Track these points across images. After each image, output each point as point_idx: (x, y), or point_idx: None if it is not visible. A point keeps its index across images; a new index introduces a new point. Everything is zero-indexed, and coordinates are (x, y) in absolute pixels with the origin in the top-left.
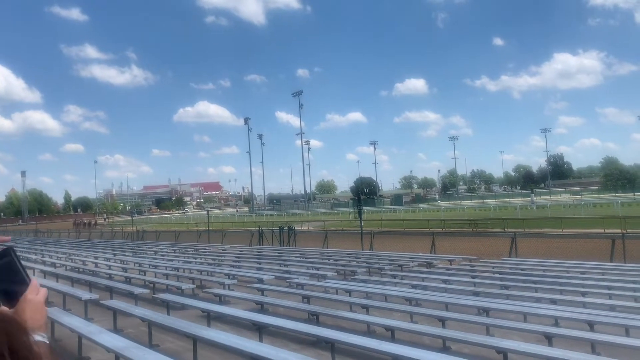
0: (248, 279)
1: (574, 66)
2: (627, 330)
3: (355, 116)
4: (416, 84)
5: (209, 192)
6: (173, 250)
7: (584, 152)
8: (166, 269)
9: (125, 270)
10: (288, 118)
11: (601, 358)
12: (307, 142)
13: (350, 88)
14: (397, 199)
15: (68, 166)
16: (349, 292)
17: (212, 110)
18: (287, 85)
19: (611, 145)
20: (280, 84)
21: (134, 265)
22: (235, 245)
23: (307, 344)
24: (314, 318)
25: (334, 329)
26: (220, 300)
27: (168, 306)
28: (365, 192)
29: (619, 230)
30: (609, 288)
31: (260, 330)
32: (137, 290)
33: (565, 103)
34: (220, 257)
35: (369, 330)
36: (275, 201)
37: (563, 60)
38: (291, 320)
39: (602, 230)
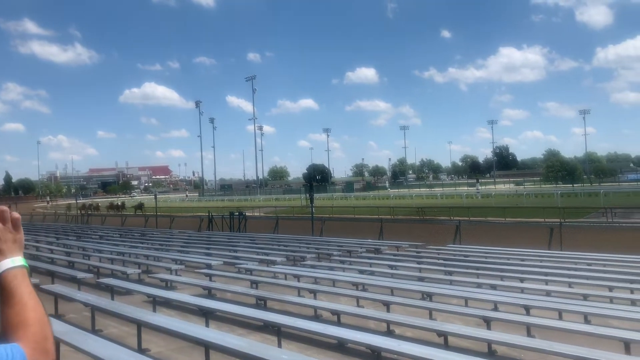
0: (196, 264)
1: (519, 60)
2: (560, 314)
3: (307, 103)
4: (367, 73)
5: (158, 176)
6: (119, 234)
7: (527, 144)
8: (111, 254)
9: (68, 254)
10: (239, 103)
11: (534, 340)
12: (260, 128)
13: (302, 74)
14: (348, 186)
15: (7, 146)
16: (298, 278)
17: (160, 92)
18: (238, 69)
19: (553, 138)
20: (230, 68)
21: (78, 250)
22: (184, 230)
23: (254, 328)
24: (261, 303)
25: (281, 313)
26: (167, 285)
27: (112, 291)
28: (317, 179)
29: (558, 220)
30: (546, 274)
31: (206, 315)
32: (80, 275)
33: (510, 96)
34: (168, 242)
35: (316, 315)
36: (226, 186)
37: (508, 55)
38: (238, 305)
39: (542, 220)
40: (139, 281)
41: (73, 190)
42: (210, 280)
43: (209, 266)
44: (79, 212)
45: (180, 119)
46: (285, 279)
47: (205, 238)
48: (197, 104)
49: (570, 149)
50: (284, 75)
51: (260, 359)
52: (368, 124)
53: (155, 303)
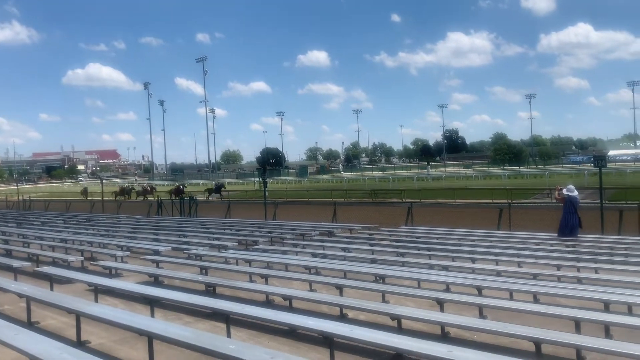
0: (143, 250)
1: (466, 45)
2: (511, 294)
3: (259, 86)
4: (318, 56)
5: (106, 161)
6: (62, 220)
7: (476, 127)
8: (53, 241)
9: (6, 242)
10: (189, 85)
11: (487, 321)
12: (212, 111)
13: (253, 57)
14: (302, 170)
15: None
16: (249, 262)
17: (106, 74)
18: (187, 50)
19: (500, 121)
20: (179, 49)
21: (17, 237)
22: (131, 215)
23: (203, 316)
24: (211, 289)
25: (231, 300)
26: (111, 273)
27: (52, 280)
28: (271, 163)
29: (506, 201)
30: (496, 255)
31: (152, 304)
32: (17, 264)
33: (459, 81)
34: (114, 228)
35: (268, 300)
36: (177, 170)
37: (456, 40)
38: (186, 293)
39: (491, 201)
40: (82, 269)
41: (15, 175)
42: (158, 267)
43: (156, 252)
44: (20, 197)
45: (128, 101)
46: (237, 264)
47: (154, 223)
48: (146, 85)
49: (517, 133)
50: (235, 57)
51: (206, 349)
52: (321, 107)
53: (98, 292)
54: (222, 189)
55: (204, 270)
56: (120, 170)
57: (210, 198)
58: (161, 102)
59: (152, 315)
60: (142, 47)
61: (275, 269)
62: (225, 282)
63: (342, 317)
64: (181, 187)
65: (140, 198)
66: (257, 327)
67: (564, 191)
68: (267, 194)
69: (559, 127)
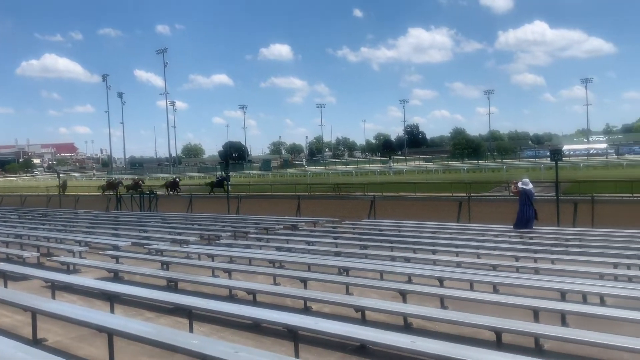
0: (102, 245)
1: (427, 41)
2: (471, 285)
3: (221, 78)
4: (281, 50)
5: (62, 154)
6: (17, 215)
7: (436, 122)
8: (7, 236)
9: None
10: (149, 77)
11: (448, 312)
12: (172, 104)
13: (214, 49)
14: (265, 164)
15: None
16: (212, 257)
17: (62, 65)
18: (146, 41)
19: (459, 117)
20: (138, 40)
21: None
22: (89, 210)
23: (164, 311)
24: (172, 285)
25: (193, 295)
26: (69, 269)
27: (5, 277)
28: (234, 157)
29: (465, 194)
30: (457, 246)
31: (111, 300)
32: None
33: (419, 76)
34: (71, 223)
35: (231, 295)
36: (137, 164)
37: (417, 35)
38: (147, 289)
39: (451, 194)
40: (38, 265)
41: None
42: (117, 262)
43: (116, 247)
44: None
45: (86, 93)
46: (199, 259)
47: (113, 218)
48: (104, 77)
49: (475, 128)
50: (196, 49)
51: (168, 344)
52: (284, 101)
53: (55, 288)
54: (225, 183)
55: (165, 266)
56: (77, 164)
57: (211, 193)
58: (120, 95)
59: (112, 311)
60: (100, 38)
61: (239, 263)
62: (187, 277)
63: (306, 310)
64: (177, 179)
65: (175, 192)
66: (220, 322)
67: (520, 184)
68: (229, 188)
69: (516, 122)
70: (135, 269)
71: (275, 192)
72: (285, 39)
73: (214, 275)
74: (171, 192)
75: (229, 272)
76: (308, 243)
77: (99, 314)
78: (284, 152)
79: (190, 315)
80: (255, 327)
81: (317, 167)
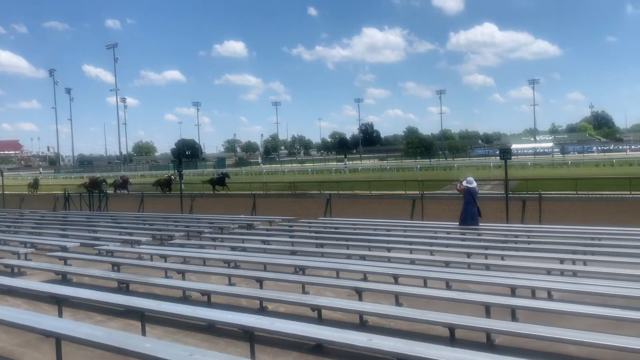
0: (49, 247)
1: (380, 41)
2: (425, 282)
3: (174, 75)
4: (235, 47)
5: (6, 152)
6: None
7: (389, 121)
8: None
9: None
10: (98, 72)
11: (403, 309)
12: (123, 100)
13: (167, 45)
14: (219, 162)
15: None
16: (165, 258)
17: (5, 59)
18: (96, 36)
19: (412, 116)
20: (87, 34)
21: None
22: (35, 210)
23: (115, 314)
24: (123, 287)
25: (146, 297)
26: (13, 271)
27: None
28: (187, 155)
29: (418, 192)
30: (410, 243)
31: (59, 303)
32: None
33: (374, 76)
34: (16, 224)
35: (185, 296)
36: (86, 163)
37: (371, 35)
38: (97, 291)
39: (404, 192)
40: None
41: None
42: (66, 264)
43: (64, 248)
44: None
45: (31, 88)
46: (151, 259)
47: (60, 218)
48: (51, 72)
49: (428, 127)
50: (148, 45)
51: (120, 348)
52: (239, 98)
53: None
54: (227, 179)
55: (116, 267)
56: (23, 162)
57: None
58: (68, 90)
59: (60, 315)
60: (46, 32)
61: (193, 264)
62: (139, 279)
63: (262, 310)
64: (171, 177)
65: (125, 191)
66: (173, 324)
67: (464, 183)
68: (182, 187)
69: (466, 121)
70: (85, 271)
71: (230, 191)
72: (240, 35)
73: (166, 277)
74: (123, 192)
75: (182, 273)
76: (264, 242)
77: (47, 318)
78: (239, 150)
79: (143, 317)
80: (210, 329)
81: (272, 166)
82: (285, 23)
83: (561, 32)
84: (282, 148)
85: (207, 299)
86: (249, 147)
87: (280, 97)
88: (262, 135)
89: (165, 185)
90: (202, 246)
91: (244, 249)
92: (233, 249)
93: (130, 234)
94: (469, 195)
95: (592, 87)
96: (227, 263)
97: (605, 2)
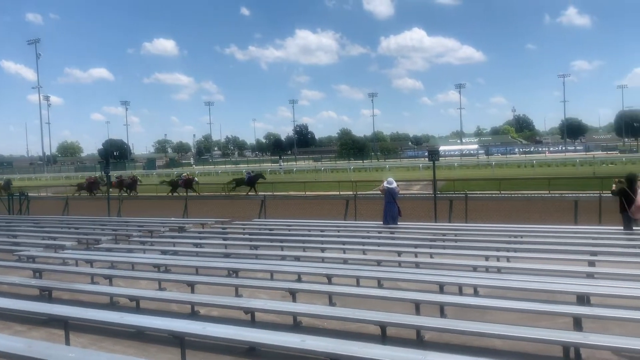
0: None
1: (314, 43)
2: (358, 281)
3: (100, 72)
4: (166, 45)
5: None
6: None
7: (324, 123)
8: None
9: None
10: (18, 69)
11: (336, 308)
12: (47, 98)
13: (92, 41)
14: (150, 163)
15: None
16: (91, 263)
17: None
18: (15, 30)
19: (346, 118)
20: (5, 28)
21: None
22: None
23: (37, 323)
24: (46, 294)
25: (70, 304)
26: None
27: None
28: (115, 156)
29: (351, 192)
30: (344, 243)
31: None
32: None
33: (308, 77)
34: None
35: (112, 302)
36: (5, 164)
37: (304, 37)
38: (16, 299)
39: (338, 193)
40: None
41: None
42: None
43: None
44: None
45: None
46: (76, 265)
47: None
48: None
49: (361, 129)
50: (72, 41)
51: (42, 359)
52: (169, 98)
53: None
54: (260, 180)
55: (37, 273)
56: None
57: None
58: None
59: None
60: None
61: (121, 269)
62: (62, 285)
63: (193, 315)
64: (191, 177)
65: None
66: (100, 332)
67: (385, 184)
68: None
69: (397, 124)
70: (3, 278)
71: (161, 193)
72: (170, 33)
73: (93, 282)
74: (131, 193)
75: (109, 279)
76: (196, 245)
77: None
78: (170, 150)
79: (66, 326)
80: (139, 335)
81: (205, 167)
82: (217, 22)
83: (485, 39)
84: (216, 149)
85: (135, 305)
86: (181, 148)
87: (213, 97)
88: (194, 135)
89: (187, 185)
90: (130, 250)
91: (175, 253)
92: (163, 252)
93: (54, 239)
94: (390, 196)
95: (514, 92)
96: (157, 267)
97: (526, 12)
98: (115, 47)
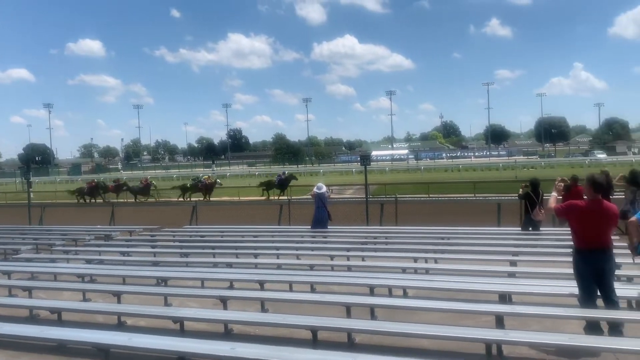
0: None
1: (247, 47)
2: (290, 286)
3: (20, 73)
4: (92, 46)
5: None
6: None
7: (258, 127)
8: None
9: None
10: None
11: (267, 315)
12: None
13: (11, 40)
14: (75, 169)
15: None
16: (8, 274)
17: None
18: None
19: (280, 123)
20: None
21: None
22: None
23: None
24: None
25: None
26: None
27: None
28: (37, 161)
29: (286, 197)
30: (277, 248)
31: None
32: None
33: (241, 81)
34: None
35: (32, 316)
36: None
37: (237, 41)
38: None
39: (273, 198)
40: None
41: None
42: None
43: None
44: None
45: None
46: None
47: None
48: None
49: (295, 133)
50: None
51: None
52: (96, 100)
53: None
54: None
55: None
56: None
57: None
58: None
59: None
60: None
61: (42, 280)
62: None
63: (120, 326)
64: (212, 180)
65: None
66: (18, 347)
67: (314, 189)
68: (31, 196)
69: (331, 129)
70: None
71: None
72: (97, 34)
73: (10, 295)
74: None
75: (29, 290)
76: (123, 254)
77: None
78: (96, 155)
79: None
80: (61, 349)
81: (134, 172)
82: (146, 23)
83: (414, 48)
84: (145, 153)
85: (57, 317)
86: (108, 153)
87: (142, 99)
88: (122, 139)
89: (208, 188)
90: (53, 260)
91: (100, 262)
92: (88, 262)
93: None
94: (319, 200)
95: (442, 99)
96: (82, 277)
97: (452, 22)
98: (36, 47)
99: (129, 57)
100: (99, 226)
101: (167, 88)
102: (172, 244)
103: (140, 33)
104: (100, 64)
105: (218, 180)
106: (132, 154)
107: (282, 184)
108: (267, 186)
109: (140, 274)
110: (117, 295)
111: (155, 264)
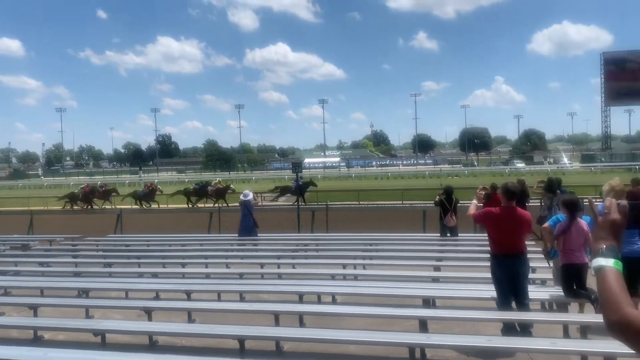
0: None
1: (177, 51)
2: (219, 295)
3: None
4: (10, 45)
5: None
6: None
7: (188, 133)
8: None
9: None
10: None
11: (194, 325)
12: None
13: None
14: None
15: None
16: None
17: None
18: None
19: (211, 129)
20: None
21: None
22: None
23: None
24: None
25: None
26: None
27: None
28: None
29: (212, 205)
30: (206, 257)
31: None
32: None
33: (170, 86)
34: None
35: None
36: None
37: (166, 44)
38: None
39: (203, 205)
40: None
41: None
42: None
43: None
44: None
45: None
46: None
47: None
48: None
49: (227, 140)
50: None
51: None
52: (14, 102)
53: None
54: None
55: None
56: None
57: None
58: None
59: None
60: None
61: None
62: None
63: (36, 341)
64: (224, 185)
65: (153, 205)
66: None
67: (241, 196)
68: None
69: (264, 136)
70: None
71: (2, 208)
72: (15, 33)
73: None
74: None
75: None
76: (42, 264)
77: None
78: (14, 160)
79: None
80: None
81: (56, 178)
82: (70, 24)
83: (345, 58)
84: (68, 159)
85: None
86: (28, 158)
87: (65, 103)
88: (43, 144)
89: (219, 194)
90: None
91: (16, 273)
92: (2, 273)
93: None
94: (245, 208)
95: (372, 109)
96: None
97: (382, 34)
98: None
99: (51, 58)
100: (15, 235)
101: (93, 91)
102: (95, 253)
103: (64, 33)
104: (19, 64)
105: (231, 185)
106: (54, 160)
107: (299, 189)
108: (282, 191)
109: (60, 285)
110: (34, 309)
111: (77, 274)
